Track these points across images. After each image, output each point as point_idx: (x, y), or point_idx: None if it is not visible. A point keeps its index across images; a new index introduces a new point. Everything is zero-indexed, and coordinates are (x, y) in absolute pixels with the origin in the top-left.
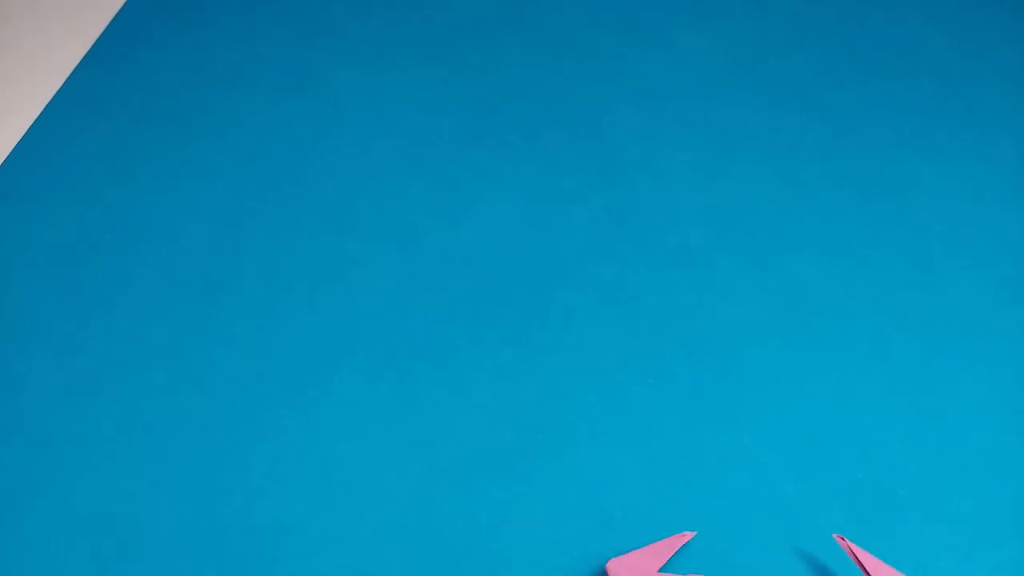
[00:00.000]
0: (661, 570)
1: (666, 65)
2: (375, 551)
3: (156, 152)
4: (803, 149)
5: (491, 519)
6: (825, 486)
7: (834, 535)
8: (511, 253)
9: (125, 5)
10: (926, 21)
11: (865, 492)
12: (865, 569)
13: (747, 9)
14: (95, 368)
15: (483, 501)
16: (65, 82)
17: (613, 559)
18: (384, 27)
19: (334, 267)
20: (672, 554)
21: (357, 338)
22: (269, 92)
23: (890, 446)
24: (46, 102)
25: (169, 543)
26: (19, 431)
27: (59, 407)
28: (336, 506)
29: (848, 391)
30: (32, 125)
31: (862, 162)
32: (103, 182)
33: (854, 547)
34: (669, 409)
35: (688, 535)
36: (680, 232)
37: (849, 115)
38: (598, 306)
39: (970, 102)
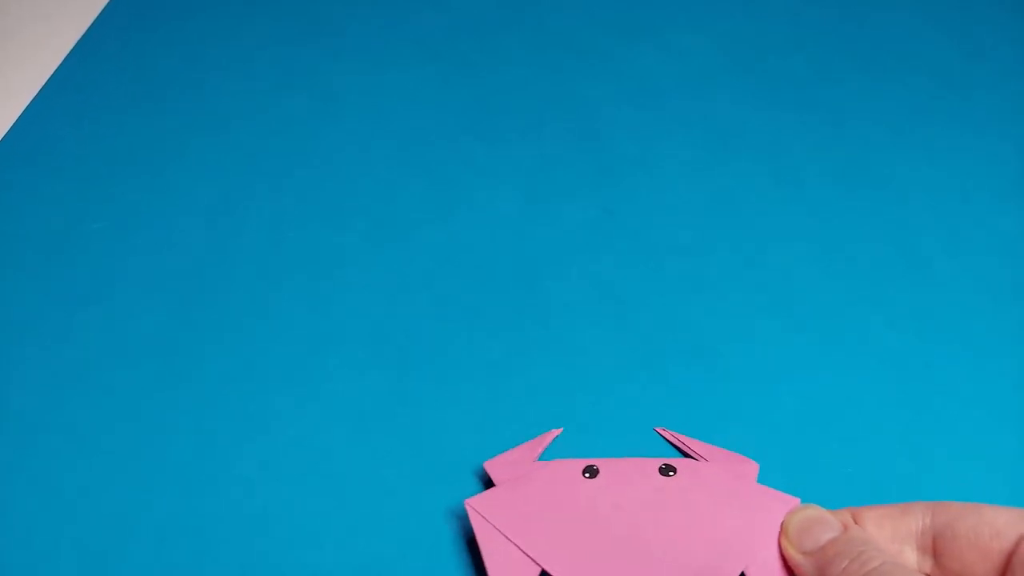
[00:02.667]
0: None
1: (663, 63)
2: (365, 544)
3: (148, 144)
4: (798, 147)
5: None
6: (817, 483)
7: (655, 428)
8: (506, 249)
9: None
10: (923, 19)
11: (857, 490)
12: (691, 451)
13: (744, 8)
14: (84, 359)
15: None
16: (55, 72)
17: (488, 460)
18: (380, 24)
19: (328, 261)
20: (543, 449)
21: (350, 332)
22: (265, 86)
23: (882, 443)
24: (34, 93)
25: (159, 535)
26: (6, 422)
27: (47, 398)
28: (327, 499)
29: (840, 388)
30: (20, 115)
31: (857, 160)
32: (93, 173)
33: (675, 434)
34: (662, 405)
35: (556, 431)
36: (675, 229)
37: (845, 113)
38: (592, 302)
39: (966, 101)
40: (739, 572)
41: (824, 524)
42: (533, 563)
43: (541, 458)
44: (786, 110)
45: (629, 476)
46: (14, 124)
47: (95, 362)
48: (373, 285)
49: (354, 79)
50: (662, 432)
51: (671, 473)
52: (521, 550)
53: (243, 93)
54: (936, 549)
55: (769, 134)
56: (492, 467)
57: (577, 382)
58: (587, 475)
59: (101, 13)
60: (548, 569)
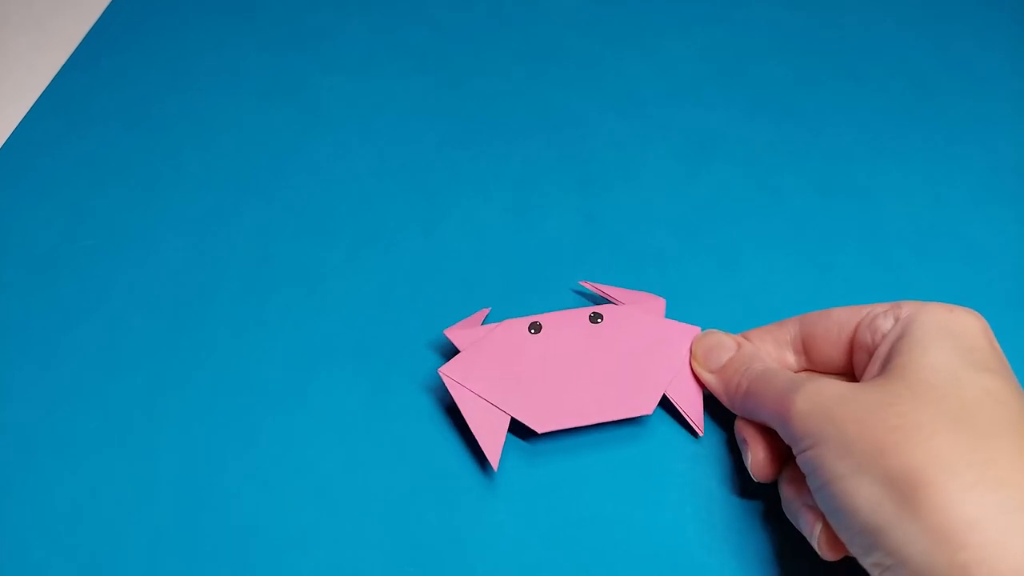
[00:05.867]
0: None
1: (645, 73)
2: (351, 557)
3: (136, 158)
4: (777, 155)
5: (469, 527)
6: None
7: (580, 281)
8: (490, 258)
9: (106, 10)
10: (900, 29)
11: None
12: (610, 296)
13: (725, 18)
14: (74, 374)
15: (460, 509)
16: (46, 88)
17: (447, 328)
18: (366, 35)
19: (314, 273)
20: (483, 319)
21: (335, 344)
22: (253, 98)
23: None
24: (26, 109)
25: (148, 547)
26: None
27: (38, 413)
28: (312, 511)
29: None
30: (11, 134)
31: (834, 168)
32: (82, 188)
33: (595, 285)
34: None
35: (486, 310)
36: (656, 237)
37: (823, 122)
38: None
39: (942, 109)
40: (661, 394)
41: (723, 346)
42: (504, 414)
43: (486, 322)
44: (765, 118)
45: (566, 327)
46: (5, 143)
47: (85, 376)
48: (359, 296)
49: (340, 90)
50: (586, 284)
51: (599, 320)
52: (492, 404)
53: (231, 107)
54: (805, 349)
55: (749, 142)
56: (451, 333)
57: None
58: (532, 331)
59: (88, 33)
60: (516, 416)
